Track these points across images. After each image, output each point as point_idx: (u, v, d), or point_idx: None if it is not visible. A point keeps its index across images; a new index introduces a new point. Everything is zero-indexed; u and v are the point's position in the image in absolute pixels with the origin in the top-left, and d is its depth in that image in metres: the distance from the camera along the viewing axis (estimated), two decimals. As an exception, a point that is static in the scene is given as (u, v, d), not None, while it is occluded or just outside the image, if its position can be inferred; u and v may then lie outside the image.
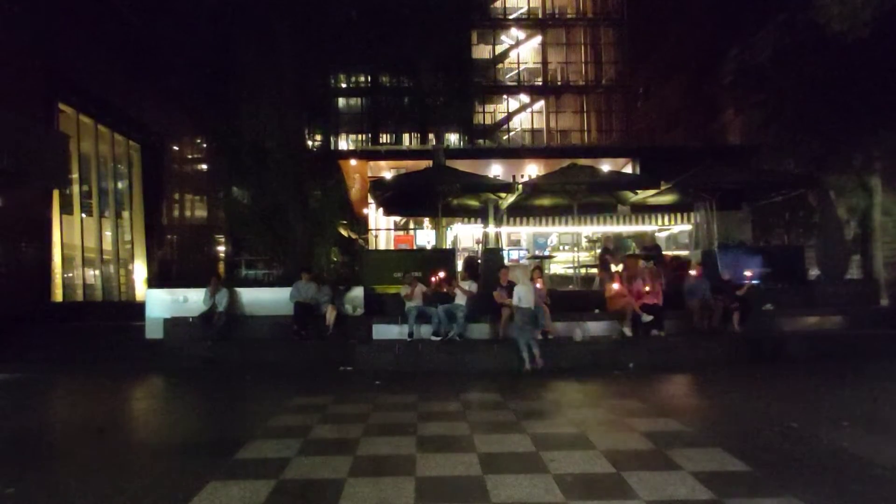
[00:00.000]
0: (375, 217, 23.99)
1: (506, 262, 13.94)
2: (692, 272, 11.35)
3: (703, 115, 30.39)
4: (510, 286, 10.75)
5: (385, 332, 11.16)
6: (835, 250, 15.81)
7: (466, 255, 17.57)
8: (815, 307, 12.32)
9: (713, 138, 28.98)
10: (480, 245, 18.35)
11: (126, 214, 20.95)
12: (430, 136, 31.44)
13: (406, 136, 34.66)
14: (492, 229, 17.13)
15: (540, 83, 40.44)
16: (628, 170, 22.66)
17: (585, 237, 18.65)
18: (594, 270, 15.09)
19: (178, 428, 6.86)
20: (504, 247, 17.34)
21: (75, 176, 18.21)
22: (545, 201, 16.23)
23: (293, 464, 5.08)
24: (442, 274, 11.87)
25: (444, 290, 11.36)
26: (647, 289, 10.92)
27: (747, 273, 12.13)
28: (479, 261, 14.70)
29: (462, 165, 17.38)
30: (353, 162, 24.32)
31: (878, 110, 14.33)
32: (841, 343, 10.82)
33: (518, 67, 40.65)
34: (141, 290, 19.37)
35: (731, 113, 26.97)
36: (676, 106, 33.81)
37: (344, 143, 36.21)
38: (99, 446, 6.00)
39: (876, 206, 16.52)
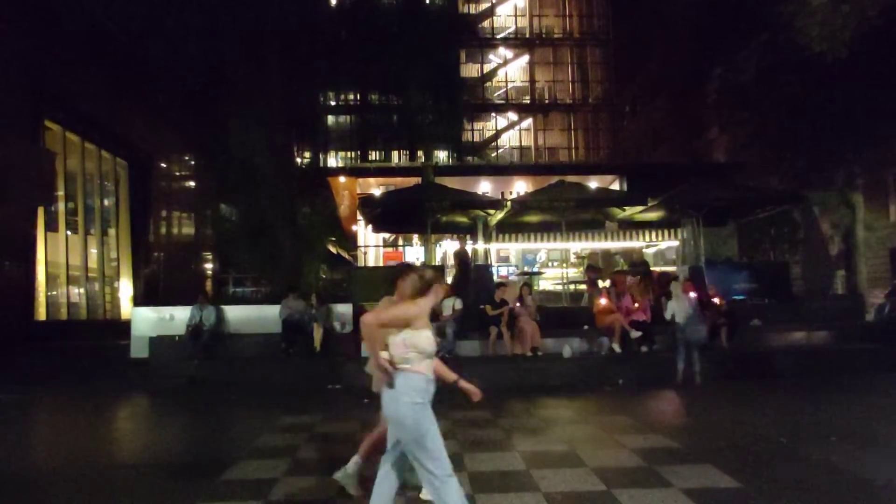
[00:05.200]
0: (364, 234, 23.95)
1: (494, 278, 13.95)
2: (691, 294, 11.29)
3: (689, 133, 30.85)
4: (503, 303, 10.78)
5: (374, 349, 11.07)
6: (819, 266, 16.00)
7: (455, 271, 17.56)
8: (802, 322, 12.43)
9: (698, 156, 29.40)
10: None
11: (112, 232, 20.78)
12: (419, 153, 31.57)
13: (395, 154, 34.79)
14: (481, 246, 17.17)
15: (528, 101, 40.87)
16: (615, 187, 22.84)
17: (574, 253, 18.73)
18: (583, 287, 15.14)
19: (163, 448, 6.75)
20: (493, 263, 17.36)
21: (61, 193, 18.06)
22: (533, 218, 16.31)
23: (280, 484, 5.01)
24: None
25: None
26: (636, 305, 10.97)
27: (735, 287, 12.21)
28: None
29: (451, 182, 17.45)
30: (341, 179, 24.30)
31: (858, 128, 14.64)
32: (827, 358, 10.91)
33: (506, 86, 41.07)
34: (126, 309, 19.14)
35: (716, 131, 27.38)
36: (662, 124, 34.29)
37: (333, 160, 36.24)
38: (82, 468, 5.87)
39: (859, 221, 16.79)
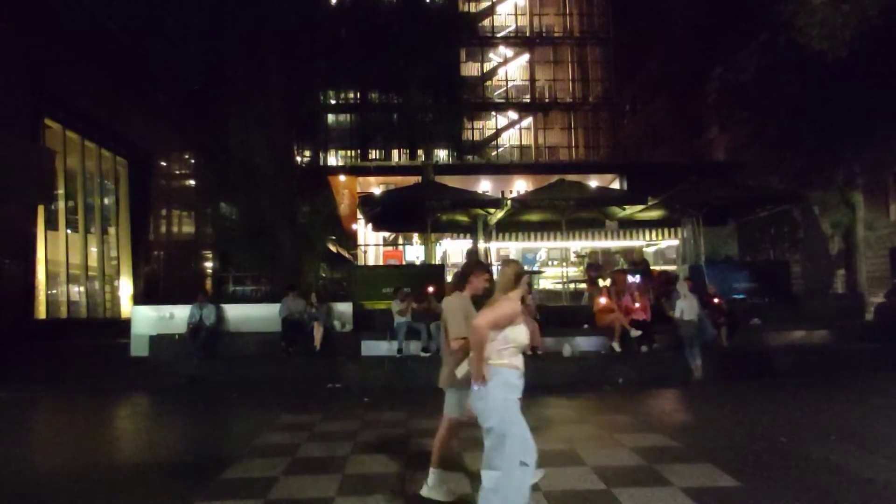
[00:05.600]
0: (364, 233, 23.96)
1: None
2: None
3: (689, 133, 30.84)
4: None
5: (374, 348, 11.11)
6: (819, 265, 16.00)
7: (455, 270, 17.58)
8: (801, 322, 12.43)
9: (698, 155, 29.40)
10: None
11: (112, 230, 20.78)
12: (420, 152, 31.58)
13: (395, 153, 34.79)
14: (481, 245, 17.17)
15: (528, 100, 40.87)
16: (615, 186, 22.86)
17: (574, 252, 18.74)
18: (583, 285, 15.15)
19: (162, 447, 6.75)
20: (493, 262, 17.37)
21: (61, 192, 18.06)
22: (534, 217, 16.32)
23: (280, 483, 5.01)
24: (431, 289, 11.86)
25: (427, 306, 11.31)
26: (636, 304, 10.96)
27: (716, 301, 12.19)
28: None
29: (451, 181, 17.46)
30: (342, 178, 24.36)
31: (858, 127, 14.62)
32: (827, 357, 10.91)
33: (506, 85, 41.06)
34: (126, 307, 19.15)
35: (716, 130, 27.37)
36: (662, 123, 34.28)
37: (333, 159, 36.25)
38: (82, 466, 5.88)
39: (859, 221, 16.78)
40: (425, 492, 4.52)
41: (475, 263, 4.88)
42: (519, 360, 3.69)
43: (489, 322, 3.61)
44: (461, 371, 3.93)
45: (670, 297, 11.36)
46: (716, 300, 11.34)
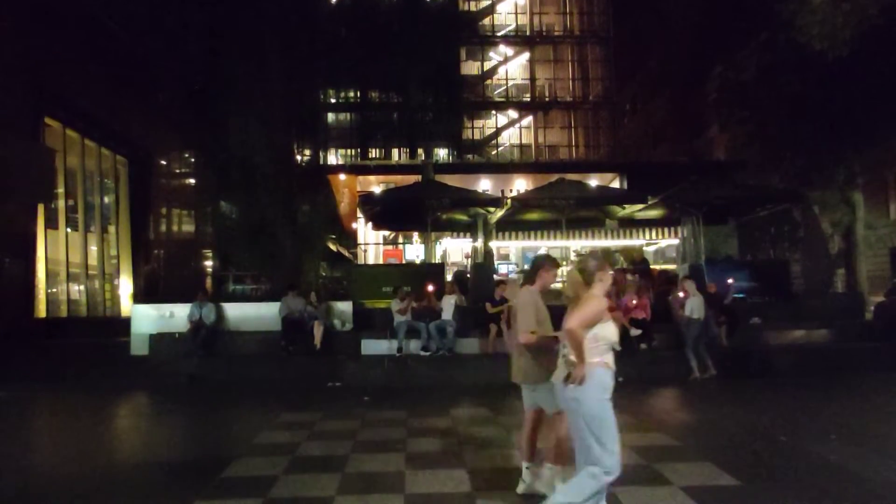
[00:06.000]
0: (364, 232, 23.95)
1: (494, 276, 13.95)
2: (680, 294, 11.30)
3: (689, 132, 30.84)
4: (503, 301, 10.78)
5: (374, 347, 11.11)
6: (819, 264, 15.99)
7: (455, 269, 17.59)
8: (801, 321, 12.43)
9: (699, 154, 29.39)
10: (469, 259, 18.37)
11: (112, 229, 20.78)
12: (420, 151, 31.59)
13: (395, 151, 34.75)
14: (481, 244, 17.17)
15: (528, 99, 40.84)
16: (615, 185, 22.86)
17: (574, 251, 18.74)
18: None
19: (163, 446, 6.75)
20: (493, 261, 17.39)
21: (61, 190, 18.06)
22: (533, 216, 16.32)
23: (280, 482, 5.01)
24: (431, 288, 11.87)
25: (427, 305, 11.34)
26: (634, 302, 10.96)
27: (729, 281, 12.24)
28: (468, 275, 14.73)
29: (451, 180, 17.46)
30: (342, 177, 24.34)
31: (859, 127, 14.61)
32: (827, 356, 10.91)
33: (506, 84, 41.03)
34: (126, 306, 19.15)
35: (716, 129, 27.35)
36: (662, 122, 34.29)
37: (333, 158, 36.22)
38: (82, 465, 5.88)
39: (859, 220, 16.77)
40: (521, 489, 4.51)
41: (546, 258, 4.90)
42: (610, 358, 3.69)
43: (580, 323, 3.57)
44: (558, 374, 3.85)
45: (668, 296, 11.41)
46: (728, 284, 11.53)
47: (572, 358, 3.63)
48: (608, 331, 3.66)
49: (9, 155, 14.23)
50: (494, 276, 14.01)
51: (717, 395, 8.97)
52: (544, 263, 4.68)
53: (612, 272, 3.88)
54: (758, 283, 13.67)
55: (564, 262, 17.68)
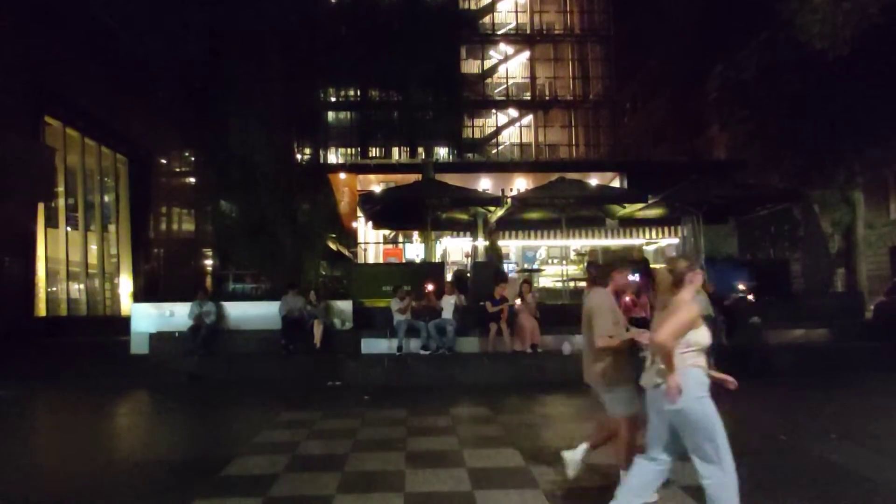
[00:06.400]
0: (364, 231, 23.94)
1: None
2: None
3: (689, 131, 30.82)
4: (503, 300, 10.79)
5: (374, 346, 11.11)
6: (819, 263, 15.98)
7: (455, 268, 17.59)
8: (801, 320, 12.42)
9: (699, 153, 29.37)
10: (469, 258, 18.37)
11: (112, 228, 20.79)
12: (420, 149, 31.57)
13: (395, 150, 34.73)
14: (481, 243, 17.16)
15: (528, 98, 40.83)
16: (616, 184, 22.83)
17: (574, 250, 18.74)
18: (583, 284, 15.14)
19: (163, 444, 6.76)
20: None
21: (61, 189, 18.07)
22: (534, 215, 16.31)
23: (280, 480, 5.02)
24: (430, 287, 11.87)
25: (427, 304, 11.34)
26: (628, 299, 10.94)
27: (740, 286, 12.21)
28: (469, 274, 14.72)
29: (451, 179, 17.45)
30: (342, 175, 24.30)
31: (859, 126, 14.60)
32: (827, 356, 10.91)
33: (506, 82, 41.02)
34: (126, 305, 19.16)
35: (717, 128, 27.33)
36: (663, 121, 34.26)
37: (333, 157, 36.20)
38: (82, 464, 5.89)
39: (859, 219, 16.78)
40: (567, 455, 4.59)
41: (619, 260, 4.89)
42: (701, 361, 3.61)
43: (672, 334, 3.49)
44: (647, 380, 3.78)
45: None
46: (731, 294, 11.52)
47: (663, 367, 3.55)
48: (701, 336, 3.58)
49: (9, 154, 14.23)
50: (508, 274, 14.09)
51: (716, 394, 8.95)
52: (616, 265, 4.66)
53: (698, 272, 3.76)
54: (758, 283, 13.66)
55: (564, 261, 17.74)
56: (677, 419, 3.60)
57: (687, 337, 3.54)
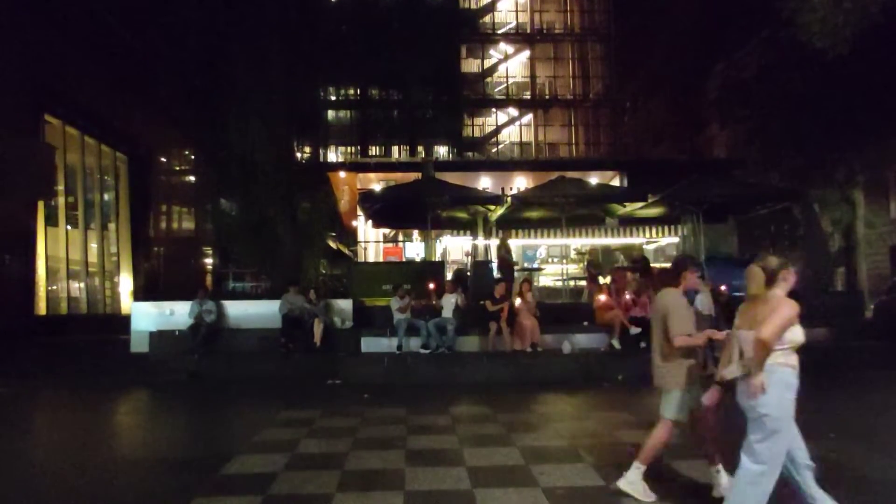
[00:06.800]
0: (364, 229, 23.92)
1: (494, 274, 13.97)
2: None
3: (689, 130, 30.83)
4: (503, 299, 10.79)
5: (374, 344, 11.11)
6: (819, 263, 15.98)
7: (455, 267, 17.59)
8: (801, 319, 12.32)
9: (699, 152, 29.39)
10: (469, 257, 18.37)
11: (112, 226, 20.79)
12: (420, 148, 31.55)
13: (395, 149, 34.71)
14: (481, 241, 17.16)
15: (528, 97, 40.79)
16: (616, 183, 22.82)
17: (574, 249, 18.73)
18: (583, 283, 15.14)
19: (162, 443, 6.76)
20: (493, 259, 17.37)
21: (61, 187, 18.08)
22: (534, 214, 16.30)
23: (280, 479, 5.02)
24: (432, 286, 11.87)
25: (427, 303, 11.35)
26: (629, 297, 10.96)
27: (735, 283, 12.22)
28: (469, 273, 14.72)
29: (451, 178, 17.42)
30: (342, 174, 24.27)
31: (859, 125, 14.60)
32: (826, 355, 10.88)
33: (506, 81, 40.98)
34: (126, 303, 19.17)
35: (717, 127, 27.35)
36: (663, 120, 34.28)
37: (333, 156, 36.18)
38: (82, 462, 5.89)
39: (859, 218, 16.79)
40: (622, 484, 4.46)
41: (689, 259, 4.89)
42: (794, 359, 3.57)
43: (774, 332, 3.45)
44: (730, 373, 3.74)
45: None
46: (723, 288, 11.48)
47: (748, 361, 3.52)
48: (797, 333, 3.54)
49: (9, 152, 14.23)
50: (515, 272, 14.13)
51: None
52: (688, 264, 4.62)
53: (791, 269, 3.72)
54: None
55: (564, 260, 17.73)
56: (752, 413, 3.59)
57: (785, 334, 3.51)
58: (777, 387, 3.49)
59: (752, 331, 3.53)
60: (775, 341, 3.46)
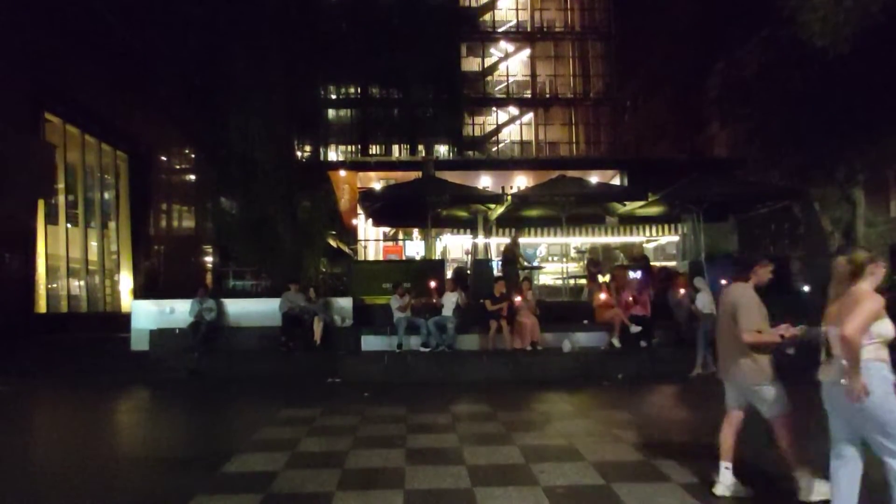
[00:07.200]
0: (364, 228, 23.95)
1: (494, 272, 13.98)
2: (681, 290, 11.24)
3: (690, 128, 30.80)
4: (503, 298, 10.80)
5: (374, 343, 11.11)
6: (820, 261, 15.95)
7: (455, 265, 17.59)
8: (801, 318, 12.35)
9: (699, 151, 29.37)
10: (470, 256, 18.37)
11: (112, 225, 20.79)
12: (420, 147, 31.51)
13: (395, 148, 34.72)
14: (481, 240, 17.16)
15: (529, 95, 40.77)
16: (616, 182, 22.83)
17: (574, 248, 18.73)
18: (583, 281, 15.14)
19: (163, 441, 6.77)
20: (493, 258, 17.37)
21: (61, 186, 18.07)
22: (534, 212, 16.29)
23: (280, 477, 5.03)
24: (432, 284, 11.87)
25: (427, 301, 11.35)
26: (630, 298, 10.96)
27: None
28: (469, 271, 14.72)
29: (451, 177, 17.42)
30: (342, 173, 24.29)
31: (859, 124, 14.58)
32: (826, 353, 10.89)
33: (507, 80, 40.96)
34: (127, 301, 19.18)
35: (717, 126, 27.32)
36: (663, 119, 34.24)
37: (333, 154, 36.20)
38: (82, 460, 5.90)
39: (859, 217, 16.75)
40: (721, 490, 4.41)
41: (762, 255, 4.90)
42: (885, 353, 3.47)
43: (859, 327, 3.36)
44: (828, 376, 3.69)
45: (667, 293, 11.39)
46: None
47: (845, 362, 3.44)
48: (885, 327, 3.43)
49: (9, 150, 14.22)
50: (524, 268, 14.13)
51: (718, 392, 8.94)
52: (761, 260, 4.61)
53: (880, 263, 3.65)
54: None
55: (564, 259, 17.73)
56: (858, 418, 3.50)
57: (870, 328, 3.42)
58: (877, 384, 3.39)
59: (837, 327, 3.45)
60: (860, 337, 3.36)
